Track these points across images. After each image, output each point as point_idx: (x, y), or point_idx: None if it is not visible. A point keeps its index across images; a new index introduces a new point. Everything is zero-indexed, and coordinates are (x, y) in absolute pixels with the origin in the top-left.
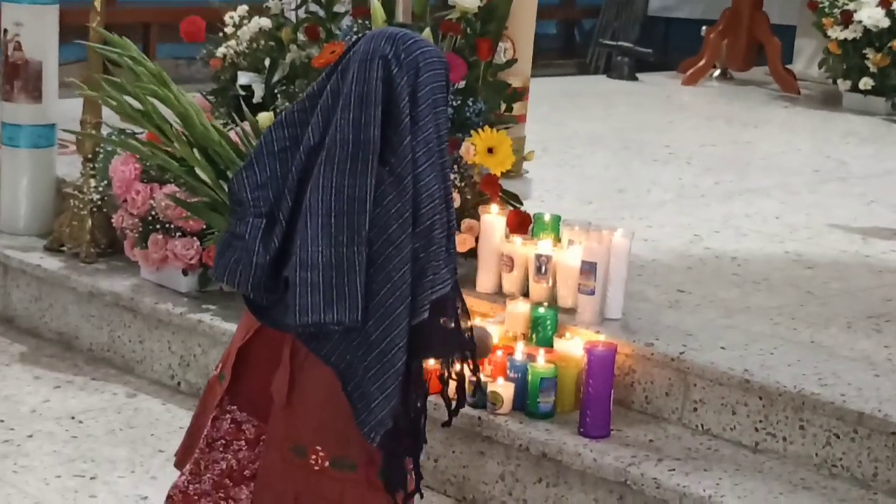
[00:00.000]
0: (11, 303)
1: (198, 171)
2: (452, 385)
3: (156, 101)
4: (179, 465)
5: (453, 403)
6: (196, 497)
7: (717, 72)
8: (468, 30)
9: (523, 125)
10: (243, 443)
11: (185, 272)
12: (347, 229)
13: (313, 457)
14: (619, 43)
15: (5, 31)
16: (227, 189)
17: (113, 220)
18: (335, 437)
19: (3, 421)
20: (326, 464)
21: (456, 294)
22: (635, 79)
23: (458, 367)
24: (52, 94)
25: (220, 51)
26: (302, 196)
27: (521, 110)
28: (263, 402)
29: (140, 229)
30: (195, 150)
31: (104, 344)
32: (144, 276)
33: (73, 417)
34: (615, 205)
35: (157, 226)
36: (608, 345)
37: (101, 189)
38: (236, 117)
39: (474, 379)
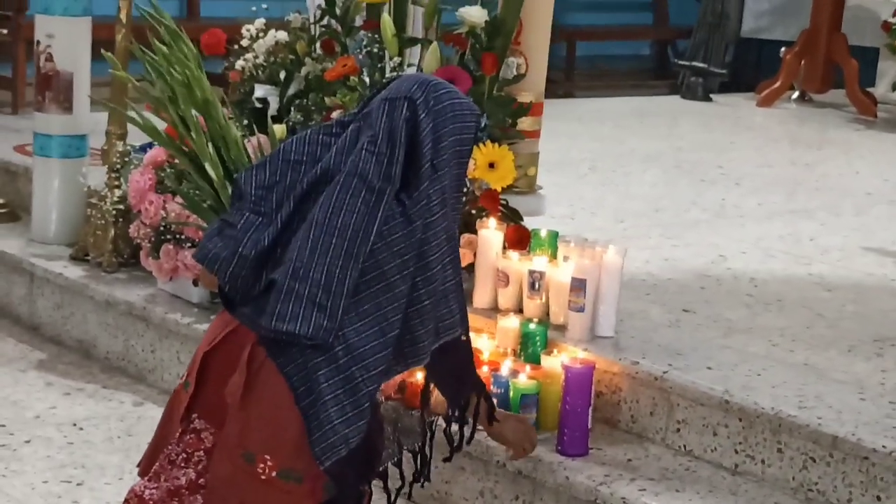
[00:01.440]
0: (37, 310)
1: (207, 167)
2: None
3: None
4: (143, 472)
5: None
6: (151, 502)
7: (796, 94)
8: (476, 44)
9: (536, 141)
10: (202, 453)
11: (195, 283)
12: (345, 252)
13: (261, 465)
14: (693, 63)
15: (38, 42)
16: (233, 182)
17: (129, 231)
18: (285, 448)
19: (3, 426)
20: (273, 474)
21: (465, 341)
22: (709, 99)
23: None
24: (84, 104)
25: (239, 63)
26: (305, 207)
27: (533, 126)
28: (222, 409)
29: (153, 239)
30: (209, 145)
31: (119, 353)
32: (160, 286)
33: (74, 424)
34: (648, 223)
35: (169, 236)
36: (586, 362)
37: (123, 199)
38: (255, 128)
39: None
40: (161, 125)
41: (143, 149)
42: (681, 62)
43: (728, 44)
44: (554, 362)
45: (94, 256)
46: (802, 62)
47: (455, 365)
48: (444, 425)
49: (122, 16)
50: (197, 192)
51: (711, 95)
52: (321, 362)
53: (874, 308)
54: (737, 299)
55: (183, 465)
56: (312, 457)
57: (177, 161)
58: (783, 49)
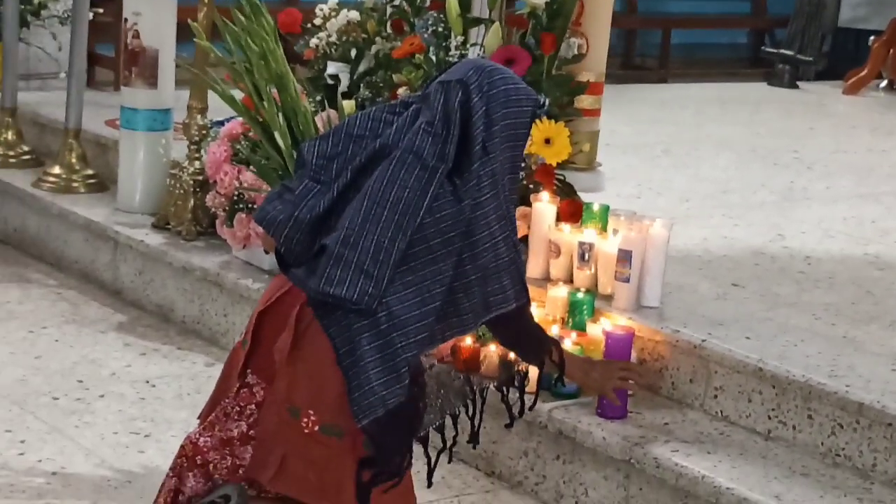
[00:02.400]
0: (120, 276)
1: (277, 136)
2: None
3: None
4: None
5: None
6: (205, 449)
7: (884, 82)
8: (536, 25)
9: (597, 119)
10: (254, 406)
11: (266, 251)
12: (395, 225)
13: (305, 420)
14: (780, 51)
15: (125, 20)
16: (297, 151)
17: (206, 200)
18: (327, 404)
19: (81, 381)
20: (316, 428)
21: (521, 312)
22: (796, 87)
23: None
24: (168, 80)
25: (313, 42)
26: (361, 178)
27: (593, 105)
28: (273, 366)
29: (227, 208)
30: (280, 115)
31: (195, 316)
32: (235, 253)
33: (147, 381)
34: (712, 204)
35: (242, 205)
36: (627, 329)
37: (201, 171)
38: (326, 104)
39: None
40: (239, 96)
41: (222, 123)
42: (769, 50)
43: (825, 33)
44: (599, 330)
45: (175, 225)
46: (891, 51)
47: (517, 332)
48: (497, 392)
49: None
50: (267, 160)
51: (799, 83)
52: (364, 326)
53: None
54: (788, 276)
55: (236, 417)
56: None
57: (251, 133)
58: (872, 38)
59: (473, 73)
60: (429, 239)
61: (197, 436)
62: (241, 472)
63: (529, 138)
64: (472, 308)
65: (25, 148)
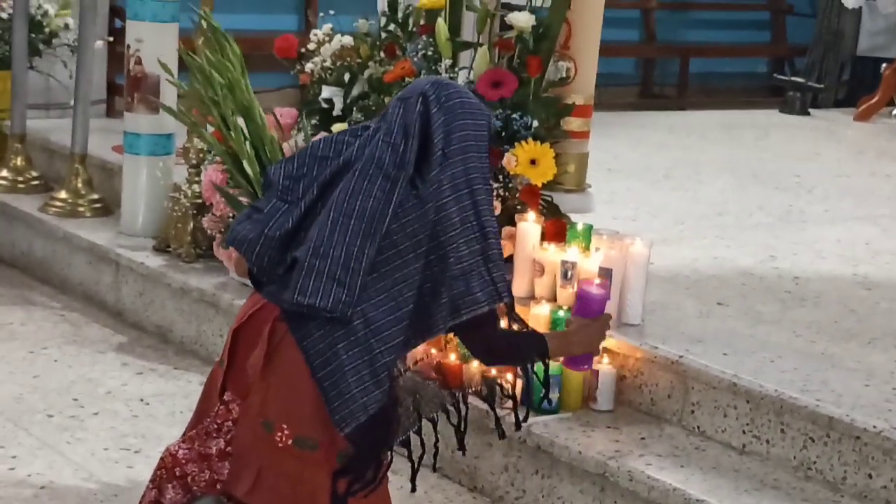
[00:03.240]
0: (121, 297)
1: (245, 164)
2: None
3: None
4: None
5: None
6: (184, 461)
7: None
8: (523, 48)
9: (586, 141)
10: (231, 423)
11: (237, 274)
12: (363, 233)
13: (278, 433)
14: (792, 78)
15: (128, 46)
16: (263, 174)
17: (203, 223)
18: (301, 418)
19: (76, 399)
20: (290, 441)
21: (497, 313)
22: (807, 113)
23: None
24: (171, 105)
25: (308, 66)
26: (327, 193)
27: (582, 127)
28: (247, 381)
29: (222, 230)
30: (247, 144)
31: (192, 337)
32: (231, 275)
33: (141, 400)
34: (707, 225)
35: None
36: (602, 286)
37: (201, 194)
38: (321, 127)
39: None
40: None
41: None
42: (781, 77)
43: (843, 62)
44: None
45: (175, 247)
46: None
47: (490, 338)
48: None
49: (203, 23)
50: (236, 188)
51: (811, 110)
52: (340, 336)
53: None
54: (774, 295)
55: (215, 435)
56: (332, 425)
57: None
58: (884, 65)
59: (430, 87)
60: (397, 244)
61: (176, 448)
62: (218, 486)
63: (514, 156)
64: (440, 310)
65: (34, 174)
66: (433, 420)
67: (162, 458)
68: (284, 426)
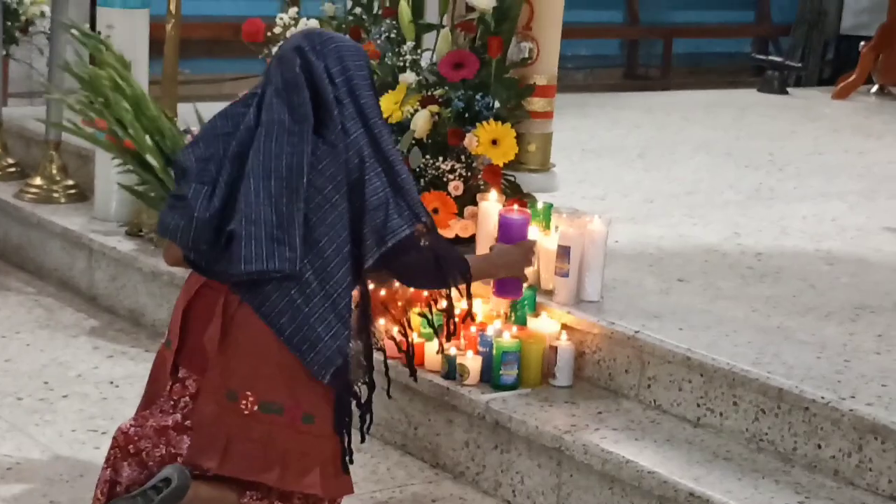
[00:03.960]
0: (94, 282)
1: (149, 157)
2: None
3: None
4: None
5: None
6: (136, 438)
7: (875, 87)
8: (484, 30)
9: (550, 121)
10: (188, 398)
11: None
12: (287, 189)
13: (243, 401)
14: (769, 57)
15: (98, 33)
16: (174, 163)
17: None
18: (264, 383)
19: (46, 383)
20: (255, 408)
21: (418, 235)
22: (786, 93)
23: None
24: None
25: (275, 50)
26: (242, 164)
27: (545, 107)
28: (204, 357)
29: None
30: (146, 137)
31: (164, 320)
32: None
33: (111, 382)
34: (676, 204)
35: None
36: (522, 212)
37: None
38: None
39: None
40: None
41: (187, 132)
42: (758, 56)
43: (827, 41)
44: (539, 324)
45: (147, 232)
46: (879, 56)
47: (417, 262)
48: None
49: (173, 7)
50: (143, 184)
51: (789, 89)
52: (296, 291)
53: (868, 280)
54: (735, 271)
55: (171, 410)
56: (295, 387)
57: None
58: (861, 43)
59: (304, 39)
60: (322, 189)
61: (128, 426)
62: (178, 460)
63: (475, 136)
64: (371, 242)
65: (10, 161)
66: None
67: (114, 438)
68: (248, 393)
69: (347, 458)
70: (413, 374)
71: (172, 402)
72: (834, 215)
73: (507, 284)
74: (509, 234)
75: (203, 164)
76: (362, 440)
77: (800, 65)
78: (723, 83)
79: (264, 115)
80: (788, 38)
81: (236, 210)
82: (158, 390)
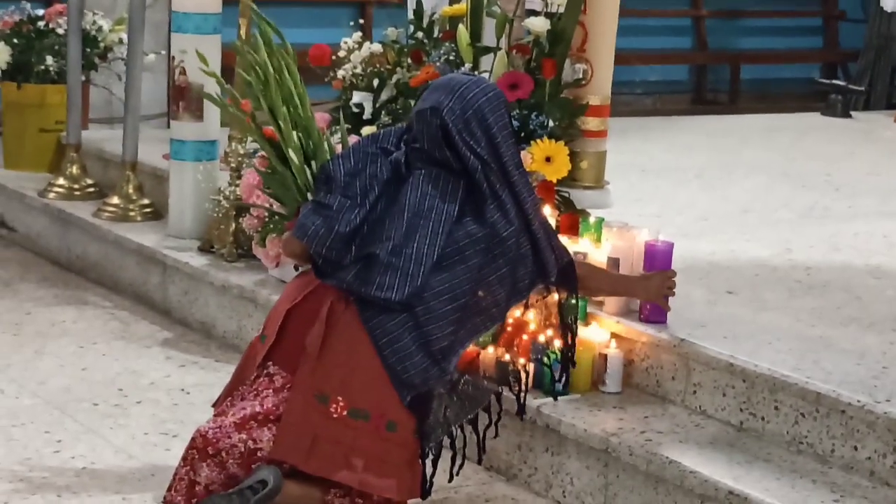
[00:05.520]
0: (168, 296)
1: (290, 152)
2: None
3: None
4: (216, 409)
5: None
6: (215, 440)
7: None
8: (539, 51)
9: (604, 140)
10: (270, 391)
11: (296, 268)
12: (432, 232)
13: (333, 405)
14: (833, 81)
15: (173, 57)
16: (320, 169)
17: (243, 223)
18: (356, 390)
19: (121, 389)
20: (345, 413)
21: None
22: (849, 116)
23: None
24: (214, 113)
25: (340, 73)
26: (388, 190)
27: (599, 126)
28: (296, 356)
29: (259, 230)
30: (294, 133)
31: (234, 332)
32: (270, 272)
33: (182, 389)
34: (728, 222)
35: (273, 227)
36: (666, 242)
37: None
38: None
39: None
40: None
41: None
42: (821, 80)
43: (895, 66)
44: (589, 332)
45: (219, 248)
46: None
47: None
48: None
49: (242, 33)
50: (273, 173)
51: (852, 113)
52: (404, 319)
53: None
54: (783, 284)
55: (251, 399)
56: (384, 398)
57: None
58: None
59: (444, 97)
60: (458, 241)
61: (206, 429)
62: (259, 454)
63: (529, 153)
64: (496, 302)
65: (89, 181)
66: (473, 421)
67: (193, 439)
68: (340, 398)
69: (427, 486)
70: (521, 411)
71: (255, 393)
72: (885, 232)
73: (654, 311)
74: (654, 262)
75: (350, 178)
76: (450, 479)
77: (862, 88)
78: (790, 108)
79: (416, 162)
80: (856, 64)
81: (385, 237)
82: (244, 378)
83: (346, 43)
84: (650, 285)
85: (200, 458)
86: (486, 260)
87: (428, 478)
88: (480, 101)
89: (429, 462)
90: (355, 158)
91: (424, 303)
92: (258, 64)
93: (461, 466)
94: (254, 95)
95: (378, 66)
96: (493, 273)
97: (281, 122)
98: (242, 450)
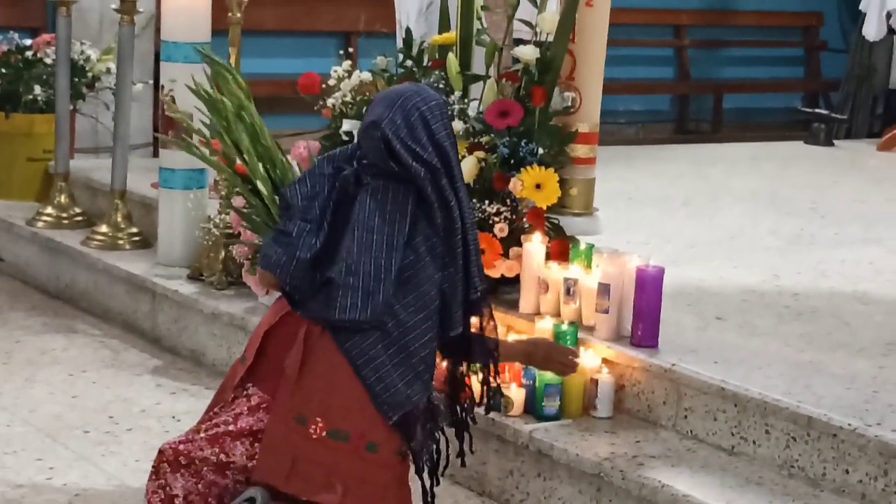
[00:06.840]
0: (157, 324)
1: (259, 184)
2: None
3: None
4: None
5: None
6: (186, 451)
7: None
8: (528, 80)
9: (592, 167)
10: (246, 409)
11: (266, 293)
12: (386, 245)
13: (313, 426)
14: (815, 110)
15: (162, 87)
16: (280, 196)
17: (233, 251)
18: (335, 412)
19: (112, 417)
20: (324, 434)
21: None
22: (832, 144)
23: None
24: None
25: (330, 101)
26: (343, 210)
27: (588, 154)
28: (275, 378)
29: (249, 257)
30: (259, 165)
31: (223, 359)
32: (260, 300)
33: (173, 417)
34: (716, 249)
35: None
36: (657, 267)
37: (230, 224)
38: None
39: (493, 384)
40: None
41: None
42: (804, 109)
43: (876, 95)
44: (580, 358)
45: (208, 276)
46: None
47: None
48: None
49: (232, 61)
50: (250, 208)
51: (835, 141)
52: (378, 337)
53: None
54: (772, 310)
55: (227, 417)
56: (362, 419)
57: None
58: None
59: (384, 109)
60: (417, 249)
61: (176, 443)
62: (232, 466)
63: (519, 181)
64: (457, 307)
65: (77, 210)
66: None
67: (161, 452)
68: (319, 420)
69: (429, 500)
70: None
71: (231, 412)
72: (871, 259)
73: (645, 335)
74: (644, 287)
75: (308, 202)
76: (437, 483)
77: (845, 117)
78: (773, 137)
79: (366, 176)
80: (838, 93)
81: (337, 258)
82: (224, 399)
83: (335, 72)
84: (534, 358)
85: (173, 470)
86: (442, 264)
87: (428, 489)
88: (422, 109)
89: (427, 470)
90: (311, 181)
91: (395, 316)
92: (217, 102)
93: (443, 472)
94: (218, 133)
95: (368, 94)
96: (448, 279)
97: (246, 156)
98: (215, 461)
